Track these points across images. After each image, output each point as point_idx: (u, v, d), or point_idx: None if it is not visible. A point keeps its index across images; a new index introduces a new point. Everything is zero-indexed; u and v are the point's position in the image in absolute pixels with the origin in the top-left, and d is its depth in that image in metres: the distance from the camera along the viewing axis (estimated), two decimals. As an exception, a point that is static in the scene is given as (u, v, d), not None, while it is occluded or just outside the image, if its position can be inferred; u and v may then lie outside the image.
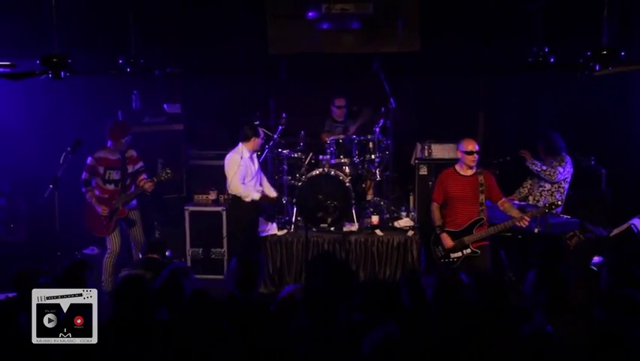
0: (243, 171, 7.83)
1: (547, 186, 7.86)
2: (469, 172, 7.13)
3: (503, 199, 7.19)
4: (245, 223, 7.96)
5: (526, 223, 6.90)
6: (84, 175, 7.78)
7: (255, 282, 5.28)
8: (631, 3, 7.85)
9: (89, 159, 7.78)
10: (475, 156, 7.06)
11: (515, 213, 7.04)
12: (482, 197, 7.06)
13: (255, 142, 7.94)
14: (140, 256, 7.97)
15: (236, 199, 7.96)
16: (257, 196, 7.90)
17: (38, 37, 7.10)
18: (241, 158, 7.82)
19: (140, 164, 8.06)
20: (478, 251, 7.05)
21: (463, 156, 7.12)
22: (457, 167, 7.23)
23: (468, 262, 7.03)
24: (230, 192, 8.01)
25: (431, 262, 7.82)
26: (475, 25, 9.20)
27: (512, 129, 9.38)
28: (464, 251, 7.09)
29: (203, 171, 9.28)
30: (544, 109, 9.26)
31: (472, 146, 7.07)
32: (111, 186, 7.85)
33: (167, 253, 7.25)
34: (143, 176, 8.00)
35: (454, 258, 7.14)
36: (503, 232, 7.23)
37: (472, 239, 7.06)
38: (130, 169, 7.97)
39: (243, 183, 7.85)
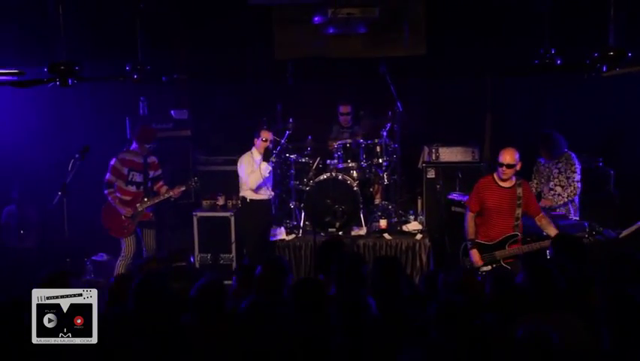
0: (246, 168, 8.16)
1: (559, 189, 7.79)
2: (508, 183, 6.76)
3: (541, 214, 6.82)
4: (255, 226, 8.19)
5: None
6: (107, 176, 7.87)
7: (283, 285, 5.07)
8: (638, 3, 7.83)
9: (113, 160, 7.88)
10: (505, 169, 6.67)
11: (552, 231, 6.64)
12: (519, 211, 6.73)
13: (256, 143, 8.20)
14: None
15: (245, 202, 8.18)
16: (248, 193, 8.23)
17: (45, 45, 7.12)
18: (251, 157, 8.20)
19: (159, 172, 8.18)
20: (509, 268, 6.63)
21: (498, 167, 6.76)
22: (496, 177, 6.83)
23: None
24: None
25: (440, 265, 7.83)
26: (481, 27, 9.19)
27: (520, 131, 9.34)
28: (494, 266, 6.76)
29: (211, 177, 9.29)
30: (552, 111, 9.25)
31: (505, 157, 6.67)
32: (133, 188, 7.94)
33: (191, 260, 7.18)
34: (161, 183, 8.11)
35: (483, 272, 6.75)
36: (537, 250, 6.66)
37: (504, 255, 6.72)
38: (151, 174, 8.08)
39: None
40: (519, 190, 6.73)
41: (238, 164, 8.27)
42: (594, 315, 4.25)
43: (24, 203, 8.84)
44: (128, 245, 7.97)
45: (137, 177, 7.96)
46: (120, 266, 7.95)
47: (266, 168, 8.08)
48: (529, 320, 4.24)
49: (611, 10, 5.71)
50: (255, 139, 8.20)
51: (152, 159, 8.11)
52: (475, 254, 6.82)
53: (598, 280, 5.05)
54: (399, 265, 5.43)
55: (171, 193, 8.00)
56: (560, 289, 4.51)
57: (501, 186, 6.77)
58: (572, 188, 7.68)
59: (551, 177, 7.83)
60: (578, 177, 7.71)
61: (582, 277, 5.00)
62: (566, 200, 7.68)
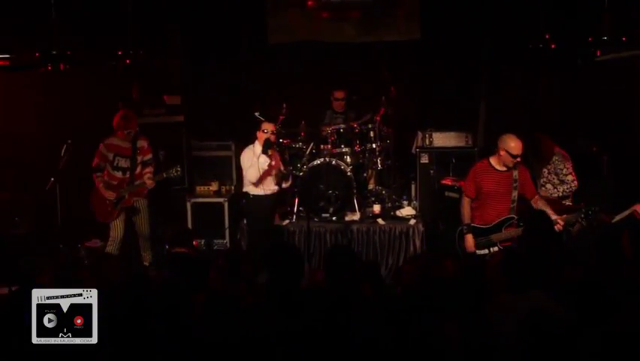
0: (246, 161, 7.90)
1: (550, 186, 7.71)
2: (504, 167, 6.69)
3: (537, 196, 6.83)
4: (259, 223, 7.97)
5: (561, 228, 6.53)
6: (95, 161, 7.74)
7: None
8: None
9: (100, 145, 7.74)
10: (519, 159, 6.61)
11: (550, 211, 6.60)
12: (515, 193, 6.69)
13: (257, 135, 7.91)
14: (148, 249, 8.01)
15: (248, 197, 8.01)
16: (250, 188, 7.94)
17: (38, 31, 7.08)
18: (252, 150, 7.91)
19: (149, 156, 7.93)
20: None
21: (505, 155, 6.60)
22: (493, 161, 6.75)
23: None
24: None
25: (433, 250, 7.86)
26: (475, 12, 9.16)
27: (514, 117, 9.35)
28: (491, 249, 6.75)
29: (204, 163, 9.28)
30: (546, 96, 9.24)
31: (517, 148, 6.56)
32: (119, 174, 7.78)
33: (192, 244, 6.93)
34: (149, 168, 7.91)
35: (479, 255, 6.78)
36: None
37: (501, 237, 6.70)
38: (139, 159, 7.86)
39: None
40: (515, 173, 6.69)
41: (241, 157, 8.05)
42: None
43: (17, 189, 8.81)
44: (113, 228, 7.82)
45: (123, 163, 7.77)
46: (110, 249, 7.84)
47: (265, 161, 7.77)
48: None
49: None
50: (257, 131, 7.91)
51: (142, 143, 7.86)
52: (469, 239, 6.80)
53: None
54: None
55: (146, 183, 7.76)
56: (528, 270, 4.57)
57: (498, 170, 6.72)
58: (567, 186, 7.61)
59: (541, 175, 7.75)
60: (571, 177, 7.61)
61: (552, 254, 5.04)
62: (560, 195, 7.64)
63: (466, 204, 6.89)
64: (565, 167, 7.58)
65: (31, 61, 6.08)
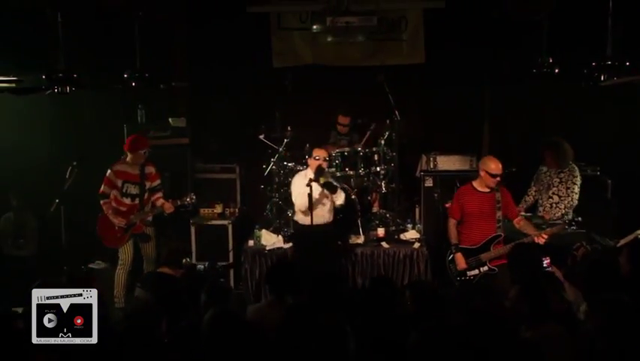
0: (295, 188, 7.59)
1: (556, 198, 7.78)
2: (487, 189, 7.02)
3: (520, 217, 7.12)
4: (309, 257, 7.46)
5: (544, 240, 6.76)
6: (102, 188, 7.76)
7: None
8: (636, 13, 7.85)
9: (108, 172, 7.77)
10: (499, 179, 6.93)
11: (532, 230, 6.91)
12: (499, 213, 6.95)
13: (309, 161, 7.66)
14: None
15: (296, 226, 7.85)
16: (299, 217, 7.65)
17: (44, 53, 7.13)
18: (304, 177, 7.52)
19: (158, 182, 7.98)
20: (496, 269, 6.90)
21: (485, 176, 6.95)
22: (475, 183, 7.12)
23: (489, 281, 6.84)
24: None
25: (438, 274, 7.83)
26: (479, 36, 9.21)
27: (517, 140, 9.36)
28: (481, 269, 6.98)
29: (208, 185, 9.29)
30: (550, 120, 9.26)
31: (497, 169, 6.91)
32: (128, 200, 7.81)
33: (184, 261, 6.79)
34: (159, 195, 7.94)
35: (470, 276, 7.01)
36: None
37: (490, 256, 6.94)
38: (148, 185, 7.89)
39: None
40: (497, 194, 6.98)
41: (292, 182, 7.78)
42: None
43: (22, 210, 8.82)
44: (123, 251, 7.85)
45: (132, 189, 7.81)
46: (120, 275, 7.86)
47: (317, 190, 7.36)
48: None
49: (608, 20, 5.72)
50: (308, 158, 7.68)
51: (150, 169, 7.92)
52: (459, 258, 7.04)
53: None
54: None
55: (164, 208, 7.80)
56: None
57: (480, 192, 7.04)
58: (570, 199, 7.67)
59: (551, 185, 7.81)
60: (577, 189, 7.73)
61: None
62: (563, 212, 7.67)
63: (451, 225, 7.19)
64: (577, 177, 7.74)
65: (38, 83, 6.09)
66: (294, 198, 7.57)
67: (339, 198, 7.62)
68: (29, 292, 5.10)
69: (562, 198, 7.71)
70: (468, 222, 7.07)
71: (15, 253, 8.70)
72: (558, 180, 7.79)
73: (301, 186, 7.31)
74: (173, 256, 6.52)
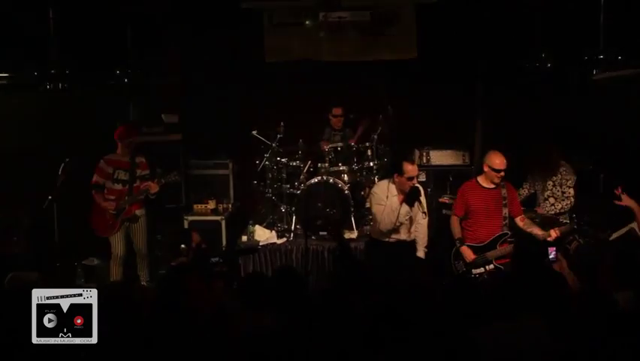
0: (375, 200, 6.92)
1: (552, 200, 7.74)
2: (492, 185, 6.81)
3: (522, 215, 6.92)
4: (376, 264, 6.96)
5: (554, 238, 6.53)
6: (94, 178, 7.79)
7: None
8: (628, 9, 7.88)
9: (100, 161, 7.82)
10: (502, 174, 6.71)
11: (537, 230, 6.71)
12: (506, 210, 6.78)
13: (396, 178, 6.80)
14: (145, 268, 8.03)
15: (369, 240, 7.41)
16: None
17: (37, 49, 7.10)
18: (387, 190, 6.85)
19: (147, 171, 7.97)
20: (502, 268, 6.66)
21: (489, 171, 6.75)
22: (480, 179, 6.91)
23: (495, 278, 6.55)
24: None
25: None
26: (472, 31, 9.21)
27: (510, 135, 9.37)
28: (487, 267, 6.76)
29: (201, 181, 9.29)
30: (542, 114, 9.27)
31: (501, 164, 6.68)
32: (119, 186, 7.82)
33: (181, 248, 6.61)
34: (147, 183, 7.87)
35: (475, 274, 6.79)
36: None
37: (496, 255, 6.73)
38: (138, 173, 7.91)
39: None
40: (503, 191, 6.80)
41: (372, 192, 7.08)
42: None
43: (15, 208, 8.78)
44: (114, 245, 7.86)
45: (122, 175, 7.83)
46: (113, 267, 7.87)
47: (406, 214, 6.80)
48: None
49: (601, 15, 5.75)
50: (396, 175, 6.79)
51: (140, 158, 7.97)
52: (466, 250, 6.83)
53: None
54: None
55: (150, 188, 7.73)
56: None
57: (485, 188, 6.84)
58: (567, 202, 7.63)
59: (545, 188, 7.75)
60: (573, 192, 7.63)
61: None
62: (558, 211, 7.65)
63: (455, 221, 7.00)
64: (570, 179, 7.62)
65: (30, 80, 6.08)
66: (376, 215, 6.91)
67: (424, 221, 6.97)
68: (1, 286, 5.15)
69: (558, 200, 7.67)
70: (473, 219, 6.85)
71: (8, 251, 8.66)
72: (552, 182, 7.72)
73: (382, 200, 6.81)
74: (175, 248, 6.58)
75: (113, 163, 7.82)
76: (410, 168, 6.68)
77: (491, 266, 6.77)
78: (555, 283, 4.97)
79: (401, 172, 6.69)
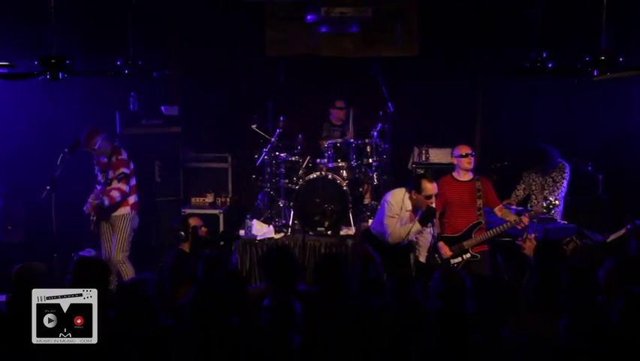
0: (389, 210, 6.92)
1: (552, 198, 7.77)
2: (466, 177, 7.18)
3: (500, 205, 7.27)
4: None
5: (526, 223, 6.87)
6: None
7: None
8: (629, 9, 7.87)
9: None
10: (471, 158, 7.14)
11: (512, 217, 7.06)
12: (480, 202, 7.10)
13: (413, 194, 6.80)
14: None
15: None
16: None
17: (36, 38, 7.09)
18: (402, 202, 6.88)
19: (121, 170, 7.67)
20: (478, 256, 7.06)
21: (458, 160, 7.17)
22: (454, 173, 7.26)
23: (468, 267, 6.91)
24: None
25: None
26: (473, 30, 9.23)
27: (510, 134, 9.38)
28: (464, 256, 7.09)
29: (200, 174, 9.29)
30: (542, 114, 9.27)
31: (466, 149, 7.15)
32: (98, 187, 7.73)
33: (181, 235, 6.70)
34: (115, 185, 7.63)
35: (454, 264, 7.09)
36: (502, 235, 7.20)
37: (472, 243, 7.06)
38: (110, 174, 7.68)
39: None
40: (477, 183, 7.14)
41: (389, 194, 7.10)
42: None
43: (11, 197, 8.78)
44: (104, 248, 7.84)
45: (99, 177, 7.76)
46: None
47: (416, 232, 6.90)
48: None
49: (602, 15, 5.73)
50: (414, 192, 6.76)
51: (116, 157, 7.67)
52: (442, 246, 7.11)
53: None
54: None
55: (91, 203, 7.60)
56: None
57: (460, 181, 7.18)
58: (558, 191, 7.75)
59: (545, 185, 7.86)
60: (565, 183, 7.86)
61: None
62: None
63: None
64: (565, 172, 7.85)
65: (30, 69, 6.05)
66: (387, 228, 6.90)
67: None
68: (9, 277, 5.14)
69: (552, 194, 7.74)
70: (450, 211, 7.16)
71: (4, 240, 8.67)
72: (552, 179, 7.83)
73: (397, 212, 6.85)
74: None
75: (96, 163, 7.79)
76: (429, 187, 6.69)
77: (468, 255, 7.09)
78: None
79: (419, 190, 6.72)
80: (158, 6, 8.90)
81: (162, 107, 9.22)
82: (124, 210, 7.81)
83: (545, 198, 7.46)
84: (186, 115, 9.38)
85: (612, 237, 7.12)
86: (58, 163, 7.46)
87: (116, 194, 7.61)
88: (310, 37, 9.55)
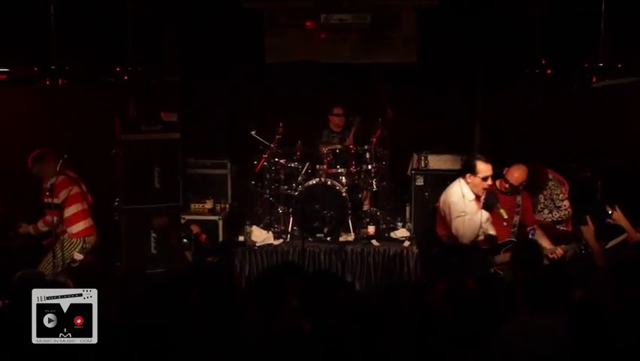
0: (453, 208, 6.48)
1: (546, 211, 7.71)
2: (509, 189, 6.65)
3: (536, 225, 6.90)
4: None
5: (559, 256, 6.45)
6: None
7: None
8: (628, 16, 7.89)
9: None
10: (509, 187, 6.58)
11: (546, 243, 6.65)
12: (517, 218, 6.72)
13: (468, 178, 6.46)
14: None
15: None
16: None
17: (37, 45, 7.09)
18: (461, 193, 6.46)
19: (55, 199, 7.21)
20: (501, 273, 6.54)
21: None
22: (498, 183, 6.71)
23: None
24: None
25: (426, 273, 7.84)
26: (472, 36, 9.23)
27: (509, 141, 9.39)
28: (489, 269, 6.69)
29: (199, 180, 9.28)
30: (541, 121, 9.28)
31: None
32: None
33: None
34: (44, 218, 7.42)
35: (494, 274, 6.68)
36: None
37: (498, 260, 6.60)
38: (46, 200, 7.31)
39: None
40: (518, 198, 6.76)
41: (445, 195, 6.70)
42: None
43: (12, 203, 8.77)
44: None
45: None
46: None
47: (487, 220, 6.50)
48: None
49: (601, 23, 5.75)
50: (469, 174, 6.45)
51: (53, 182, 7.24)
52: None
53: None
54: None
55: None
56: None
57: (501, 192, 6.71)
58: (564, 212, 7.60)
59: (538, 201, 7.72)
60: (567, 203, 7.56)
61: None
62: (555, 220, 7.62)
63: None
64: (561, 192, 7.58)
65: (30, 75, 6.07)
66: (458, 230, 6.47)
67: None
68: (11, 282, 5.13)
69: (552, 211, 7.63)
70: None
71: (4, 245, 8.65)
72: (542, 197, 7.68)
73: (459, 209, 6.44)
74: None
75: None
76: (484, 168, 6.40)
77: (491, 270, 6.68)
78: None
79: (474, 172, 6.41)
80: (157, 13, 8.91)
81: (161, 114, 9.22)
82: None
83: (557, 221, 7.28)
84: (186, 121, 9.38)
85: (611, 243, 7.11)
86: (57, 170, 7.45)
87: None
88: (309, 43, 9.58)
